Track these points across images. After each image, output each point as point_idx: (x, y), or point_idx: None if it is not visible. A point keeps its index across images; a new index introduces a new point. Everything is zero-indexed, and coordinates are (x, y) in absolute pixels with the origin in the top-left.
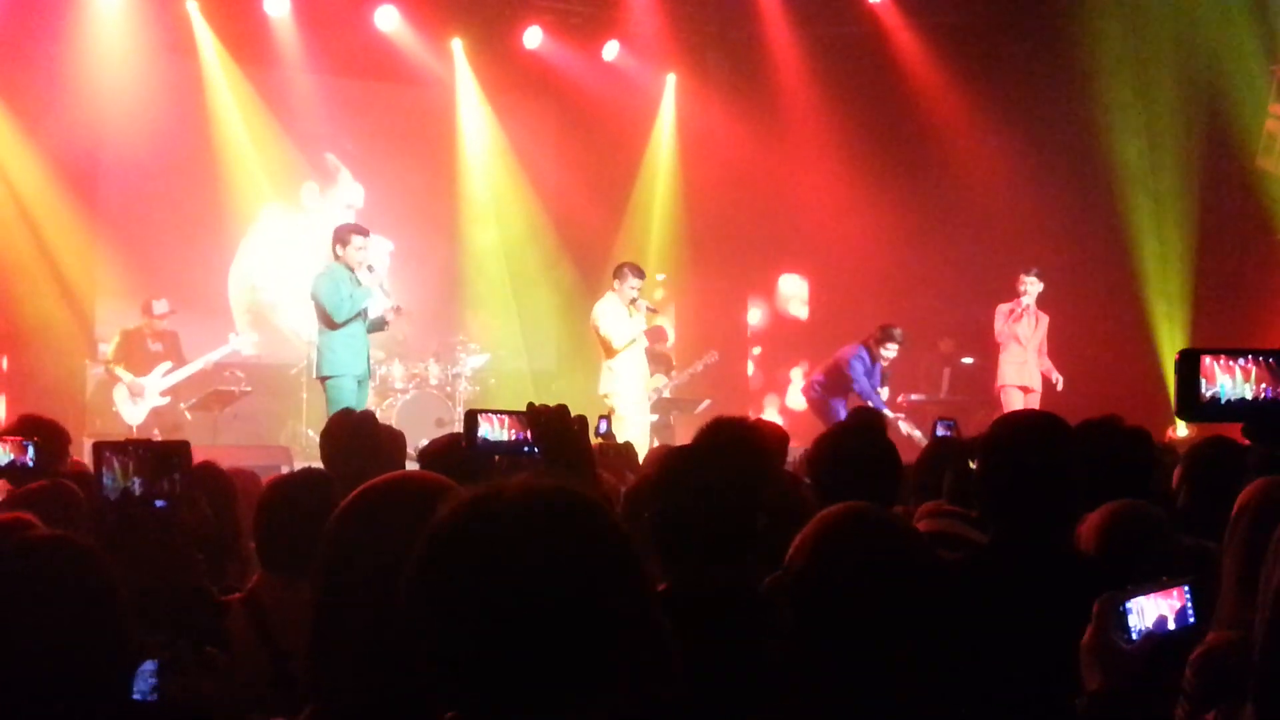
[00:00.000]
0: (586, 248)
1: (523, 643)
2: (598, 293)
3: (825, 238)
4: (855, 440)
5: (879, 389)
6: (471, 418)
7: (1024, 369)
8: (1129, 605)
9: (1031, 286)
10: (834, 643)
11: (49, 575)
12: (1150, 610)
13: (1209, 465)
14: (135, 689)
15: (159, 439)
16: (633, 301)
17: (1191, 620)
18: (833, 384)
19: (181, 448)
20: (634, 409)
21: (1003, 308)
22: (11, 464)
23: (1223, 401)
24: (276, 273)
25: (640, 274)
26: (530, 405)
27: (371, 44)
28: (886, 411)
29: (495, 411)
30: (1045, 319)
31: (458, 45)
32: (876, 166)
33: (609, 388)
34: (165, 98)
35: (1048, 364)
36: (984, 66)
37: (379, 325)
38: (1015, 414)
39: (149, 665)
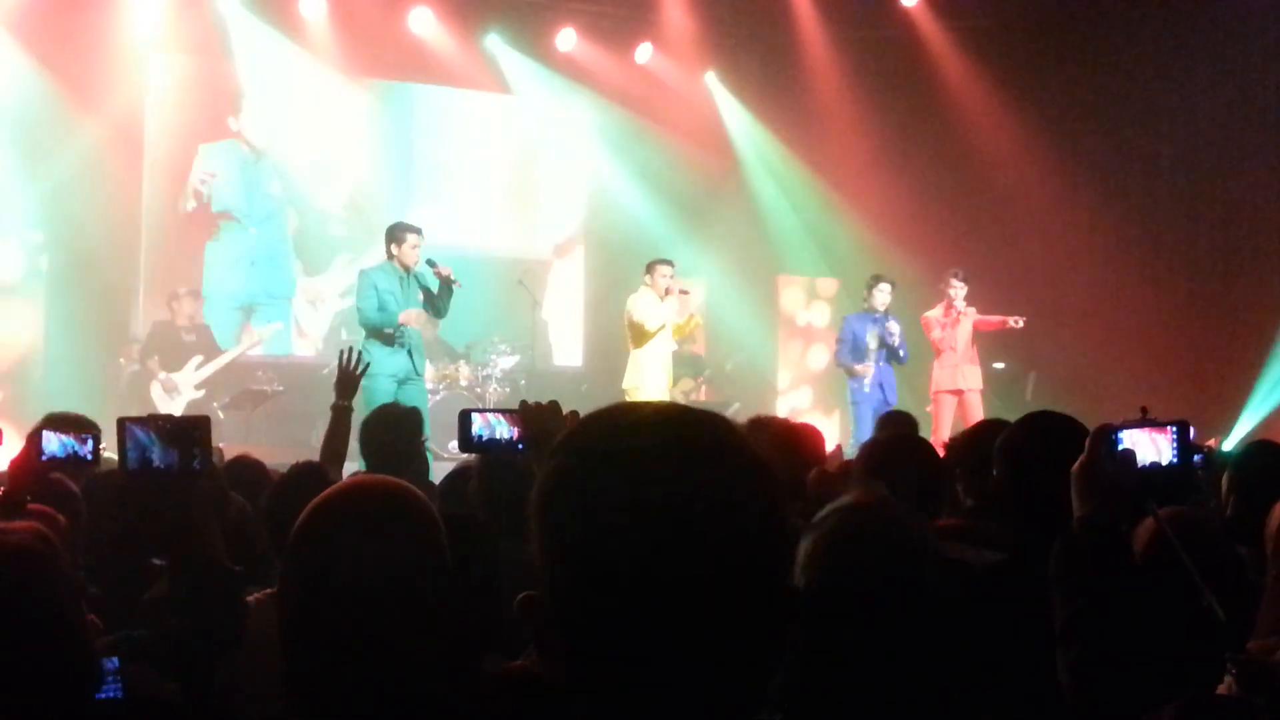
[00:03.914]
0: (619, 250)
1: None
2: (630, 294)
3: (855, 239)
4: (891, 449)
5: (895, 342)
6: (465, 416)
7: (956, 373)
8: (1120, 435)
9: (955, 291)
10: (840, 649)
11: None
12: (1141, 443)
13: (1256, 472)
14: (99, 689)
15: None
16: (667, 291)
17: (1176, 461)
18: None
19: (202, 422)
20: None
21: (935, 315)
22: (72, 455)
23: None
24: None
25: (669, 263)
26: (523, 403)
27: (405, 45)
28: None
29: (490, 410)
30: (971, 312)
31: (493, 43)
32: (909, 167)
33: (632, 381)
34: (201, 95)
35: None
36: (1017, 70)
37: (446, 289)
38: (1034, 416)
39: (111, 664)
